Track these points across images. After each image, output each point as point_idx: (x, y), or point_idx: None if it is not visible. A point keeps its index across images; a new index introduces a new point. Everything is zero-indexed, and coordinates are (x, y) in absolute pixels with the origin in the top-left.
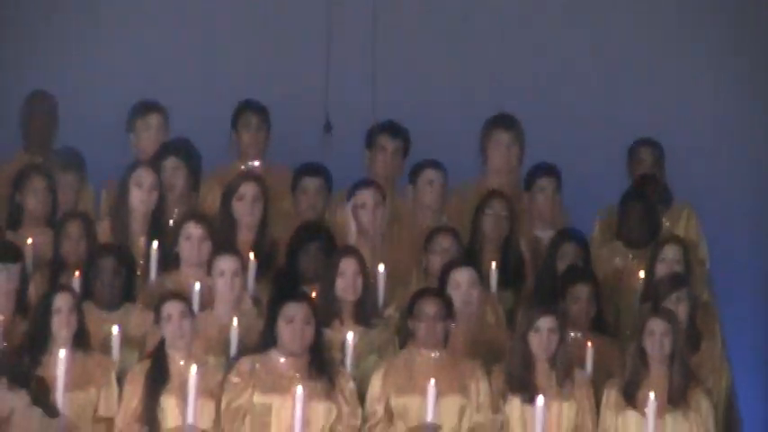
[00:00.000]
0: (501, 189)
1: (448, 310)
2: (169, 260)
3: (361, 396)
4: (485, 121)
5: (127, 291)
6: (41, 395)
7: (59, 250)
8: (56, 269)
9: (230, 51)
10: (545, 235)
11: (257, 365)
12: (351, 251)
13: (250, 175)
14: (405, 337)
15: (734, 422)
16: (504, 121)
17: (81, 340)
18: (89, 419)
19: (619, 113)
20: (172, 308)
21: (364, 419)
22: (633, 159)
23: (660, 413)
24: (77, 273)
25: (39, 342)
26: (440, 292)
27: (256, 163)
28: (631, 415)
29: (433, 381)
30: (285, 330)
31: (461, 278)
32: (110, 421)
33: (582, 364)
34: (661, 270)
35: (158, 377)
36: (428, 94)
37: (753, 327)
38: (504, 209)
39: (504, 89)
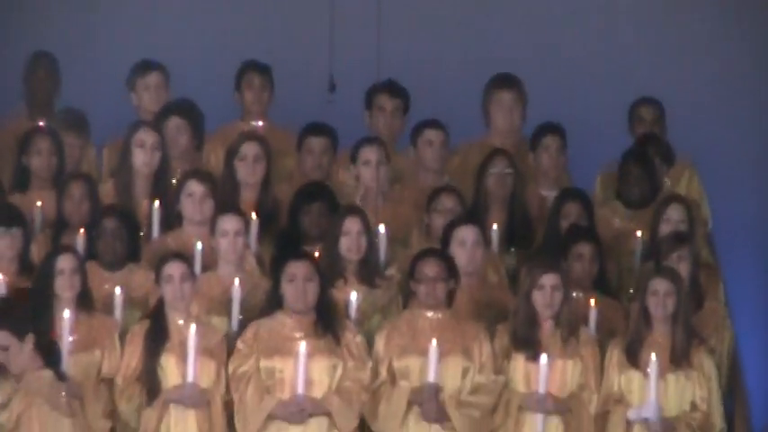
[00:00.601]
0: (504, 148)
1: (450, 271)
2: (171, 219)
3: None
4: (487, 82)
5: (130, 251)
6: (52, 358)
7: (62, 211)
8: (59, 230)
9: (234, 10)
10: (551, 194)
11: (261, 330)
12: (354, 210)
13: (252, 135)
14: (407, 297)
15: (737, 381)
16: (506, 82)
17: (84, 301)
18: (93, 380)
19: (621, 72)
20: (172, 269)
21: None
22: (634, 118)
23: (663, 373)
24: (81, 232)
25: (42, 303)
26: (441, 252)
27: (260, 123)
28: (634, 374)
29: (434, 341)
30: (288, 289)
31: (465, 237)
32: (112, 381)
33: (585, 324)
34: (665, 230)
35: (158, 337)
36: (432, 52)
37: (755, 286)
38: (507, 167)
39: (508, 47)
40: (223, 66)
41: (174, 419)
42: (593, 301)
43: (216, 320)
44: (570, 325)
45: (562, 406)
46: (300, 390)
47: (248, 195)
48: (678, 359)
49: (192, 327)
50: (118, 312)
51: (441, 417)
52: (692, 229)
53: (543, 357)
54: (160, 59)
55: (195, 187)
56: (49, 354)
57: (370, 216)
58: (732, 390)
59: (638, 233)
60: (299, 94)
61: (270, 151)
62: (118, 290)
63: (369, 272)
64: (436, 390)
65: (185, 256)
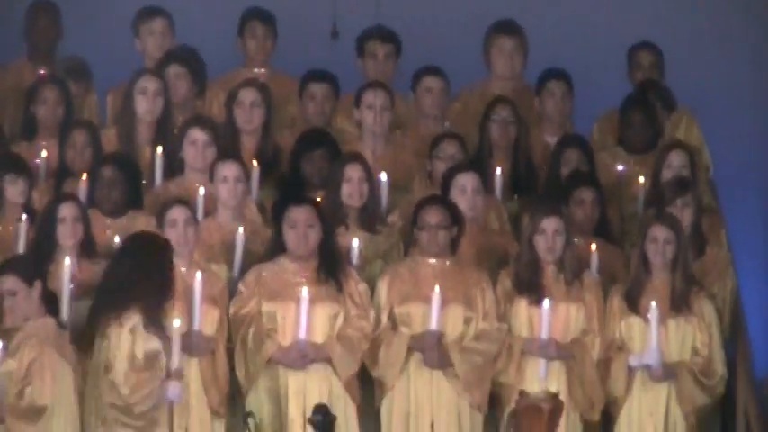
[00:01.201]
0: (505, 94)
1: (453, 218)
2: (174, 166)
3: None
4: (487, 28)
5: (132, 198)
6: (53, 306)
7: (65, 159)
8: (61, 178)
9: None
10: (555, 140)
11: (264, 273)
12: (356, 157)
13: (251, 82)
14: (408, 244)
15: (739, 326)
16: (506, 28)
17: (87, 248)
18: None
19: (619, 17)
20: (176, 213)
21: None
22: (632, 63)
23: (663, 319)
24: (84, 179)
25: (44, 250)
26: (443, 200)
27: (262, 71)
28: (634, 321)
29: (437, 288)
30: (289, 235)
31: (465, 183)
32: None
33: (587, 268)
34: (666, 176)
35: None
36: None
37: (756, 232)
38: (510, 114)
39: None
40: (226, 12)
41: None
42: (593, 247)
43: (215, 267)
44: (573, 269)
45: (565, 351)
46: (302, 335)
47: (249, 142)
48: (678, 305)
49: (198, 274)
50: None
51: (443, 363)
52: (695, 176)
53: (546, 302)
54: (163, 4)
55: (197, 134)
56: (49, 302)
57: (371, 161)
58: (734, 336)
59: (641, 179)
60: (301, 40)
61: (270, 98)
62: (117, 239)
63: (370, 218)
64: (438, 337)
65: (188, 201)
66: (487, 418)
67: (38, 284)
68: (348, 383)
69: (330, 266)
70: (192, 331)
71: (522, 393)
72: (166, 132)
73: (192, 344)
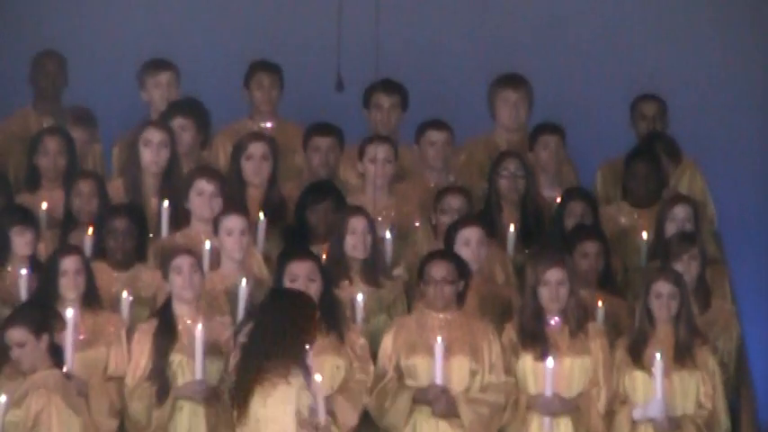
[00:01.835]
0: (510, 146)
1: (459, 271)
2: (181, 217)
3: (372, 355)
4: (493, 80)
5: (138, 250)
6: (59, 357)
7: (71, 208)
8: (66, 228)
9: (242, 7)
10: (551, 194)
11: None
12: (359, 209)
13: (258, 135)
14: (413, 297)
15: (744, 377)
16: (512, 81)
17: (90, 300)
18: (99, 378)
19: (625, 69)
20: (182, 260)
21: (376, 378)
22: (636, 114)
23: (667, 372)
24: (90, 230)
25: (45, 302)
26: (449, 253)
27: (269, 124)
28: (638, 374)
29: (440, 339)
30: None
31: (470, 236)
32: (120, 380)
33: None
34: (670, 230)
35: (166, 335)
36: (435, 47)
37: (762, 282)
38: (518, 168)
39: (511, 43)
40: (232, 63)
41: (185, 416)
42: (600, 302)
43: (220, 318)
44: (577, 320)
45: (570, 406)
46: None
47: (255, 193)
48: (682, 358)
49: (199, 324)
50: (125, 314)
51: (451, 412)
52: (699, 229)
53: (549, 360)
54: (169, 56)
55: (204, 185)
56: (55, 353)
57: (374, 214)
58: (738, 386)
59: (644, 234)
60: (306, 90)
61: (277, 150)
62: (125, 294)
63: (374, 271)
64: (442, 392)
65: (194, 252)
66: None
67: (45, 335)
68: None
69: (331, 319)
70: (196, 381)
71: None
72: (172, 184)
73: (196, 392)
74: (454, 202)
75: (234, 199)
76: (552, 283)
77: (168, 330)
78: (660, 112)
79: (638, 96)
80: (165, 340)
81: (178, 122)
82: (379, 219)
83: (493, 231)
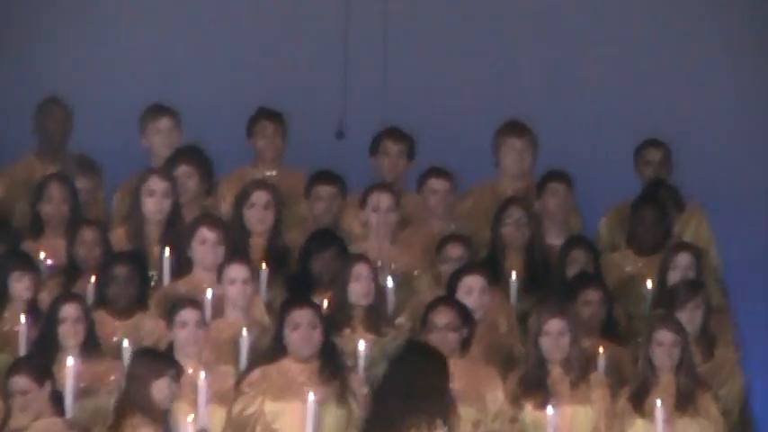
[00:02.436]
0: (516, 193)
1: (463, 319)
2: (183, 265)
3: None
4: (498, 127)
5: (140, 299)
6: (60, 405)
7: (75, 257)
8: (70, 276)
9: (246, 55)
10: (558, 242)
11: (267, 373)
12: (363, 257)
13: (262, 183)
14: None
15: (748, 426)
16: (516, 128)
17: (90, 348)
18: (100, 427)
19: (630, 114)
20: (188, 315)
21: None
22: (640, 160)
23: (669, 420)
24: (94, 278)
25: (48, 350)
26: (453, 300)
27: (272, 173)
28: (640, 422)
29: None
30: (292, 337)
31: (472, 285)
32: None
33: (595, 370)
34: (673, 277)
35: None
36: (442, 95)
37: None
38: (523, 216)
39: (517, 90)
40: (234, 110)
41: None
42: (601, 349)
43: (224, 368)
44: (580, 369)
45: None
46: None
47: (258, 241)
48: (684, 405)
49: (202, 373)
50: (126, 363)
51: None
52: (702, 277)
53: (549, 408)
54: (172, 104)
55: (207, 233)
56: (55, 401)
57: (377, 261)
58: None
59: (648, 282)
60: (309, 137)
61: (280, 198)
62: (126, 342)
63: (376, 320)
64: None
65: (199, 303)
66: None
67: (48, 384)
68: None
69: (332, 368)
70: (198, 430)
71: None
72: (175, 232)
73: None
74: (454, 252)
75: (237, 247)
76: (553, 334)
77: None
78: (665, 158)
79: (642, 142)
80: None
81: (182, 170)
82: (382, 266)
83: (496, 279)
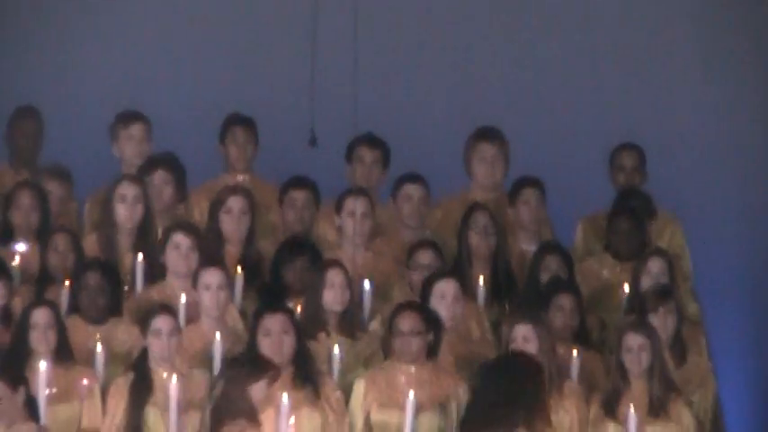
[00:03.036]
0: (485, 202)
1: (428, 324)
2: (155, 272)
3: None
4: (469, 135)
5: (113, 305)
6: (33, 411)
7: (47, 264)
8: (42, 283)
9: (216, 62)
10: (531, 249)
11: None
12: (337, 262)
13: (237, 189)
14: (387, 350)
15: None
16: (487, 135)
17: (63, 354)
18: None
19: (602, 121)
20: (161, 323)
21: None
22: (614, 165)
23: (640, 426)
24: (67, 285)
25: (19, 356)
26: (418, 305)
27: (246, 177)
28: (612, 429)
29: (412, 394)
30: (264, 343)
31: (445, 291)
32: None
33: (567, 377)
34: (646, 283)
35: (142, 390)
36: (413, 104)
37: (739, 339)
38: (488, 222)
39: (488, 97)
40: (205, 117)
41: None
42: (575, 352)
43: (197, 373)
44: (552, 378)
45: None
46: None
47: (233, 248)
48: (656, 411)
49: (174, 378)
50: (100, 369)
51: None
52: (674, 282)
53: None
54: (142, 110)
55: (181, 239)
56: (29, 407)
57: (351, 268)
58: None
59: (626, 287)
60: (280, 146)
61: (254, 204)
62: (99, 347)
63: (350, 324)
64: None
65: (173, 309)
66: None
67: (22, 389)
68: None
69: (306, 373)
70: None
71: None
72: (147, 238)
73: None
74: (424, 258)
75: (212, 254)
76: (519, 340)
77: (144, 384)
78: (639, 163)
79: (616, 147)
80: (141, 394)
81: (159, 176)
82: (357, 273)
83: (464, 287)
